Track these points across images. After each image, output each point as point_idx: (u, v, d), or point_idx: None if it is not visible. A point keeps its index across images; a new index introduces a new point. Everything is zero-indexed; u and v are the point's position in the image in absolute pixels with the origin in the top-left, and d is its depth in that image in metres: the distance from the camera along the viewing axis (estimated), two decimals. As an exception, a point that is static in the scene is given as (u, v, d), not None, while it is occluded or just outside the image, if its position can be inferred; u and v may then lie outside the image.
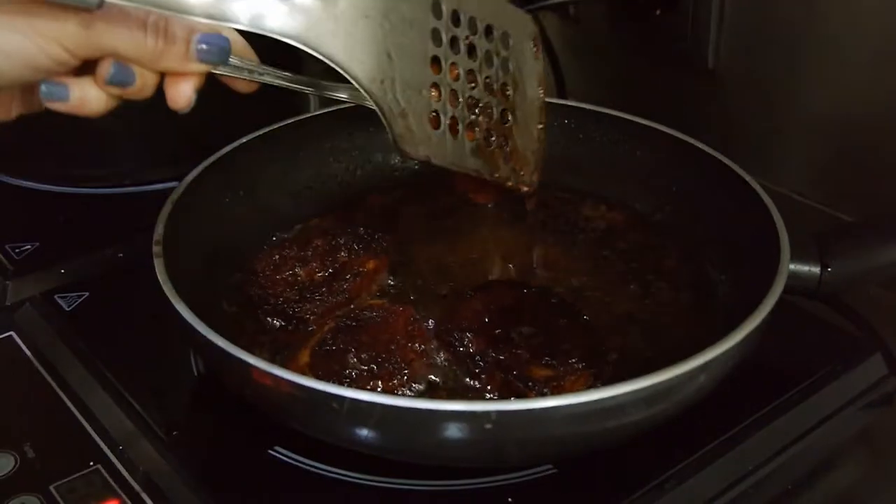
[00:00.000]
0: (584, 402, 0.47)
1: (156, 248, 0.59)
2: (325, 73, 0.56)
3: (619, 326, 0.63)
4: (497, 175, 0.64)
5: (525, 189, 0.66)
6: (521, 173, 0.65)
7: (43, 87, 0.49)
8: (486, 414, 0.46)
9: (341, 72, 0.54)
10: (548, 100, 0.80)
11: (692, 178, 0.72)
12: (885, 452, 0.66)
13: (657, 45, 0.93)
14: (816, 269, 0.61)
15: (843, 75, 0.80)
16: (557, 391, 0.55)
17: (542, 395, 0.55)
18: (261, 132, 0.74)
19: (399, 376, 0.58)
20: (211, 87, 0.85)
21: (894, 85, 0.76)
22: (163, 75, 0.51)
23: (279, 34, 0.50)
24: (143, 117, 0.84)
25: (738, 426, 0.58)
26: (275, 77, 0.58)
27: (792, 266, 0.59)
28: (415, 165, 0.81)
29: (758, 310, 0.53)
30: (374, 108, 0.55)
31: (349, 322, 0.61)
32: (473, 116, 0.62)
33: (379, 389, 0.56)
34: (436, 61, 0.59)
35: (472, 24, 0.62)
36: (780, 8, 0.82)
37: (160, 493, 0.55)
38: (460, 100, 0.61)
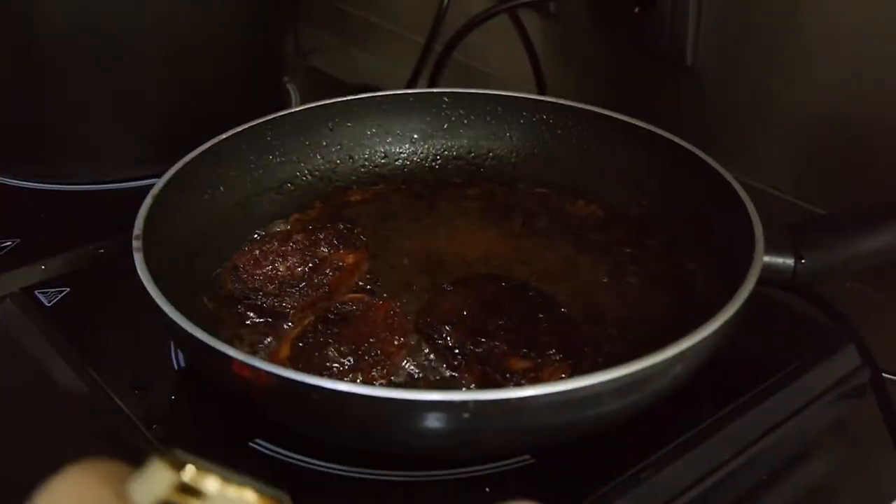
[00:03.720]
0: (560, 392, 0.48)
1: (135, 243, 0.59)
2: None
3: (597, 318, 0.64)
4: None
5: None
6: None
7: None
8: (464, 403, 0.47)
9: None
10: (527, 95, 0.81)
11: (669, 173, 0.73)
12: (859, 443, 0.66)
13: (636, 42, 0.94)
14: (790, 261, 0.61)
15: (821, 72, 0.81)
16: (535, 382, 0.56)
17: (519, 385, 0.55)
18: (241, 128, 0.74)
19: (379, 368, 0.58)
20: (191, 84, 0.86)
21: (871, 81, 0.77)
22: None
23: None
24: (123, 114, 0.86)
25: (714, 416, 0.59)
26: None
27: (766, 258, 0.59)
28: (395, 161, 0.81)
29: (731, 301, 0.54)
30: None
31: (329, 315, 0.62)
32: None
33: (359, 381, 0.57)
34: None
35: None
36: (757, 5, 0.83)
37: (141, 486, 0.55)
38: None
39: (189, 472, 0.32)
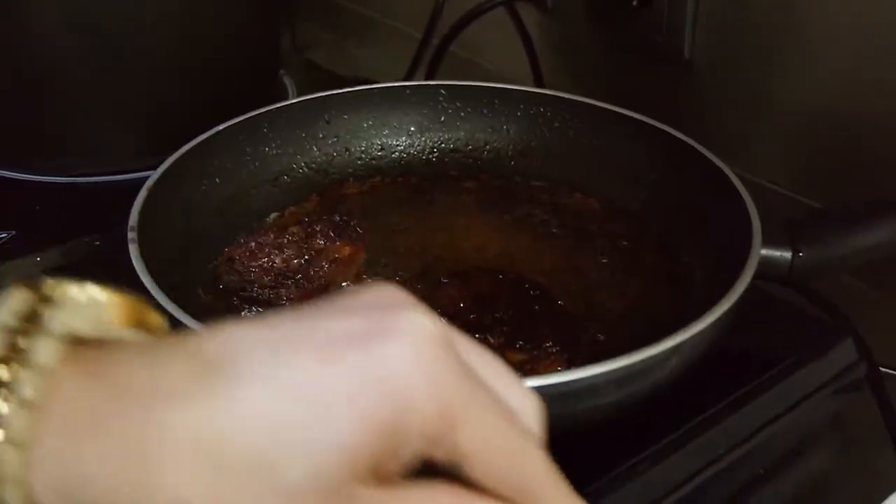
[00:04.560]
0: (556, 384, 0.48)
1: (130, 235, 0.59)
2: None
3: (594, 312, 0.64)
4: None
5: None
6: None
7: None
8: (459, 395, 0.47)
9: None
10: (525, 88, 0.81)
11: (667, 167, 0.73)
12: (855, 437, 0.66)
13: (634, 36, 0.94)
14: (788, 255, 0.61)
15: (819, 66, 0.80)
16: (531, 375, 0.56)
17: (515, 378, 0.55)
18: (237, 120, 0.74)
19: (374, 361, 0.58)
20: (187, 77, 0.86)
21: (869, 76, 0.77)
22: None
23: None
24: (119, 108, 0.85)
25: (710, 410, 0.59)
26: None
27: (763, 251, 0.59)
28: (392, 154, 0.81)
29: (728, 294, 0.54)
30: None
31: (325, 308, 0.62)
32: None
33: (354, 374, 0.57)
34: None
35: None
36: (756, 1, 0.83)
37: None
38: None
39: (46, 283, 0.32)
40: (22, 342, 0.30)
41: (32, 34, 0.80)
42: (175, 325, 0.52)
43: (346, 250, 0.68)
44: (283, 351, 0.30)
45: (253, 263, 0.66)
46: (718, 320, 0.52)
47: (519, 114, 0.80)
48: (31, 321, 0.31)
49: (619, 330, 0.63)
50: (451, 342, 0.32)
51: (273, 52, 1.01)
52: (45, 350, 0.30)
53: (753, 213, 0.61)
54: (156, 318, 0.35)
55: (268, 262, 0.66)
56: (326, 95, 0.79)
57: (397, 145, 0.81)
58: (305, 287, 0.65)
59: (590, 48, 1.01)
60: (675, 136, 0.72)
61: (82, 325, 0.32)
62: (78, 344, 0.31)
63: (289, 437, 0.28)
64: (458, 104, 0.81)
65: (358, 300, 0.32)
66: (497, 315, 0.61)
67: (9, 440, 0.29)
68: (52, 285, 0.32)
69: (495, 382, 0.33)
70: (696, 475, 0.57)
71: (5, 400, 0.29)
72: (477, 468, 0.31)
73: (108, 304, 0.33)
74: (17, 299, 0.32)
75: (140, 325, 0.34)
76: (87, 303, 0.32)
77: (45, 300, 0.32)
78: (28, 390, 0.29)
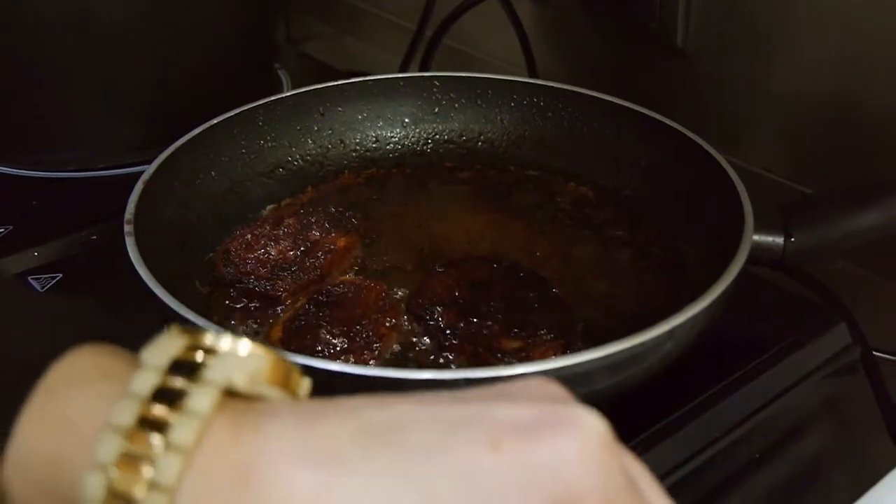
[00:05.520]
0: (550, 370, 0.48)
1: (127, 227, 0.59)
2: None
3: (588, 299, 0.64)
4: None
5: None
6: None
7: None
8: (455, 382, 0.47)
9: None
10: (518, 78, 0.81)
11: (660, 154, 0.73)
12: (849, 420, 0.67)
13: (626, 24, 0.94)
14: (780, 240, 0.62)
15: (811, 53, 0.81)
16: (526, 362, 0.56)
17: (510, 364, 0.55)
18: (232, 113, 0.74)
19: (371, 350, 0.58)
20: (182, 71, 0.86)
21: (861, 63, 0.78)
22: None
23: None
24: (115, 102, 0.86)
25: (705, 394, 0.59)
26: None
27: (756, 237, 0.60)
28: (387, 145, 0.81)
29: (721, 279, 0.54)
30: None
31: (321, 298, 0.62)
32: None
33: (351, 363, 0.57)
34: None
35: None
36: (747, -14, 0.83)
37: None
38: None
39: (204, 333, 0.32)
40: (179, 386, 0.30)
41: (26, 28, 0.80)
42: (173, 317, 0.53)
43: (342, 241, 0.68)
44: (455, 431, 0.29)
45: (249, 255, 0.66)
46: (711, 305, 0.53)
47: (512, 104, 0.81)
48: (187, 368, 0.31)
49: (614, 316, 0.63)
50: (615, 444, 0.31)
51: (268, 45, 1.01)
52: (203, 397, 0.30)
53: (745, 199, 0.61)
54: (300, 381, 0.34)
55: (264, 253, 0.67)
56: (321, 88, 0.79)
57: (392, 137, 0.82)
58: (302, 278, 0.65)
59: (583, 37, 1.01)
60: (668, 125, 0.72)
61: (239, 378, 0.31)
62: (229, 396, 0.31)
63: None
64: (452, 95, 0.81)
65: (524, 390, 0.32)
66: (492, 303, 0.61)
67: (155, 484, 0.29)
68: (212, 335, 0.32)
69: (647, 491, 0.33)
70: (691, 459, 0.57)
71: (155, 441, 0.29)
72: None
73: (265, 359, 0.33)
74: (175, 344, 0.32)
75: (284, 385, 0.33)
76: (248, 357, 0.32)
77: (204, 349, 0.32)
78: (181, 434, 0.29)
